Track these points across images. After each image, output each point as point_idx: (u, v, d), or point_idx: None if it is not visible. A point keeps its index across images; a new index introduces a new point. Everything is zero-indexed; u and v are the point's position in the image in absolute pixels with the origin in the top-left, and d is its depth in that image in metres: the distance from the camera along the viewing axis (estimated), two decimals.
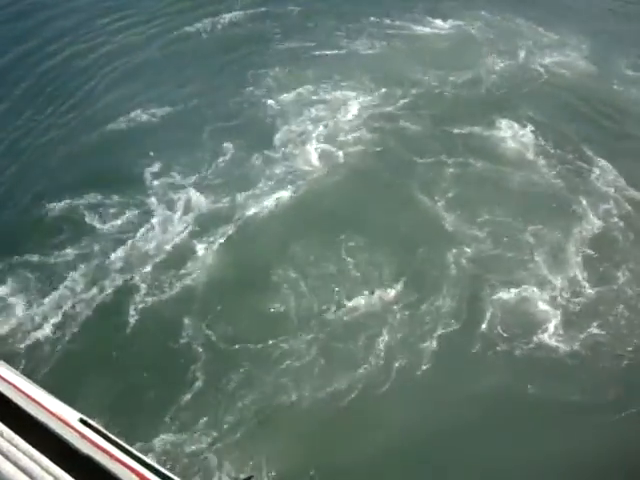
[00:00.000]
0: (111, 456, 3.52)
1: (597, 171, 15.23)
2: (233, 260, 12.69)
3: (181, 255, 12.62)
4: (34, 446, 3.47)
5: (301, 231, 13.30)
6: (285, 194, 14.01)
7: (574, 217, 14.13)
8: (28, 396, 3.58)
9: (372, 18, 20.02)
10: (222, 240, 12.99)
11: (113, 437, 3.61)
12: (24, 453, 3.44)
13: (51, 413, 3.54)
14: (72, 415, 3.60)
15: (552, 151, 15.65)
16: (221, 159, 14.74)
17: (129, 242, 12.73)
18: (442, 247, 13.19)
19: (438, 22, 19.88)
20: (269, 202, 13.81)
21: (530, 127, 16.13)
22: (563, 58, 18.53)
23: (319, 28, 19.48)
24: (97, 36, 18.75)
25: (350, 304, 11.97)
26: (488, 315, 11.96)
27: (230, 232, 13.18)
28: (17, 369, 9.68)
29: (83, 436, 3.53)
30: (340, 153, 15.17)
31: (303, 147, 15.21)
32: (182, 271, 12.32)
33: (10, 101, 16.28)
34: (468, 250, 13.13)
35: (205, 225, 13.26)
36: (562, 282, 12.67)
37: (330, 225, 13.49)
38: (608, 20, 20.69)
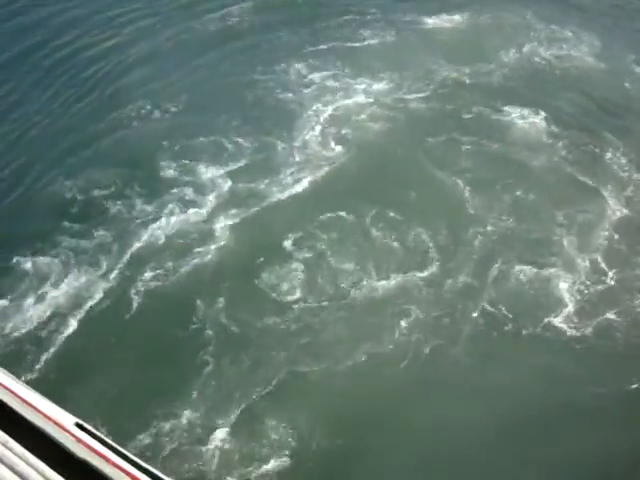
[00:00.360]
0: (107, 460, 3.50)
1: (611, 158, 15.04)
2: (253, 240, 12.78)
3: (199, 238, 12.65)
4: (30, 450, 3.46)
5: (322, 210, 13.36)
6: (304, 176, 14.06)
7: (595, 201, 14.04)
8: (24, 400, 3.57)
9: (381, 11, 19.78)
10: (241, 221, 13.06)
11: (109, 441, 3.59)
12: (20, 457, 3.44)
13: (47, 417, 3.53)
14: (68, 419, 3.58)
15: (565, 137, 15.50)
16: (237, 144, 14.73)
17: (148, 227, 12.77)
18: (464, 224, 13.28)
19: (449, 16, 19.62)
20: (289, 184, 13.87)
21: (543, 114, 15.98)
22: (572, 52, 18.35)
23: (328, 19, 19.27)
24: (107, 29, 18.65)
25: (371, 281, 12.01)
26: (508, 295, 11.98)
27: (250, 213, 13.25)
28: (17, 367, 9.82)
29: (79, 440, 3.51)
30: (356, 136, 15.21)
31: (320, 131, 15.25)
32: (200, 253, 12.37)
33: (23, 90, 16.31)
34: (490, 228, 13.18)
35: (224, 208, 13.30)
36: (582, 265, 12.61)
37: (350, 204, 13.52)
38: (615, 16, 20.33)
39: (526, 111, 16.11)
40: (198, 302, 11.51)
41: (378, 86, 16.70)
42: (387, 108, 16.07)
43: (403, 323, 11.38)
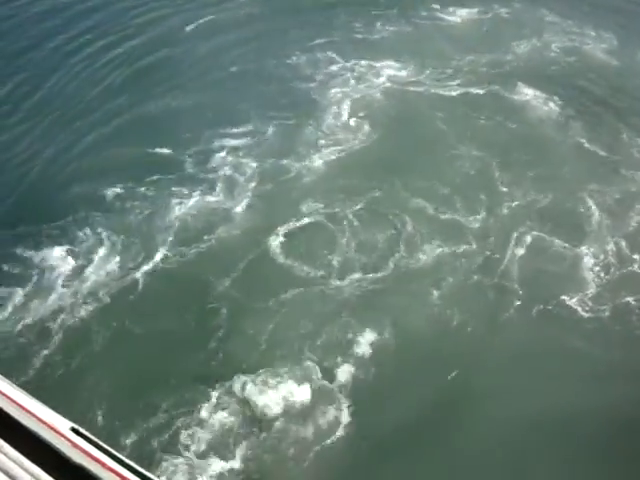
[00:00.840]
0: (103, 465, 3.46)
1: (629, 142, 15.11)
2: (279, 216, 12.81)
3: (220, 219, 12.67)
4: (25, 455, 3.44)
5: (350, 185, 13.51)
6: (332, 155, 14.19)
7: (622, 183, 14.04)
8: (19, 404, 3.55)
9: (396, 4, 19.80)
10: (269, 198, 13.13)
11: (105, 446, 3.55)
12: (15, 462, 3.41)
13: (42, 422, 3.50)
14: (64, 424, 3.54)
15: (580, 119, 15.64)
16: (261, 126, 14.83)
17: (168, 209, 12.77)
18: (493, 198, 13.44)
19: (465, 9, 19.74)
20: (316, 163, 13.97)
21: (556, 99, 16.15)
22: (586, 47, 18.46)
23: (344, 11, 19.42)
24: (125, 19, 18.66)
25: (398, 254, 12.10)
26: (532, 271, 12.09)
27: (276, 191, 13.32)
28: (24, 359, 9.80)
29: (75, 445, 3.48)
30: (380, 117, 15.37)
31: (344, 113, 15.41)
32: (222, 231, 12.40)
33: (44, 73, 16.39)
34: (518, 203, 13.34)
35: (249, 188, 13.34)
36: (608, 247, 12.63)
37: (377, 179, 13.68)
38: (627, 15, 20.34)
39: (541, 95, 16.33)
40: (215, 281, 11.46)
41: (398, 72, 16.85)
42: (408, 92, 16.25)
43: (430, 296, 11.47)
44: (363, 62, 17.06)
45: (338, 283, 11.57)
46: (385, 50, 17.58)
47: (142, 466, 3.61)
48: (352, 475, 9.32)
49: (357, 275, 11.71)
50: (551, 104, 16.03)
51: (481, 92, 16.36)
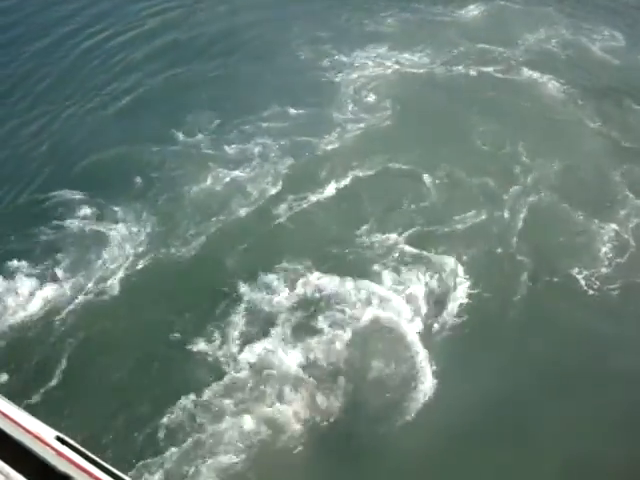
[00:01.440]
0: (89, 474, 3.44)
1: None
2: (306, 185, 13.00)
3: (244, 193, 12.74)
4: (10, 465, 3.42)
5: (371, 158, 13.73)
6: (353, 132, 14.45)
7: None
8: (3, 414, 3.53)
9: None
10: (291, 175, 13.26)
11: (91, 455, 3.53)
12: (0, 472, 3.40)
13: (27, 431, 3.48)
14: (49, 433, 3.53)
15: (587, 101, 15.97)
16: (280, 109, 14.95)
17: (190, 192, 12.73)
18: (514, 170, 13.72)
19: (474, 4, 19.98)
20: (338, 140, 14.20)
21: (563, 81, 16.53)
22: (589, 43, 18.46)
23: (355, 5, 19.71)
24: (133, 20, 18.63)
25: (421, 224, 12.35)
26: (547, 242, 12.32)
27: (305, 166, 13.55)
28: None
29: (60, 454, 3.46)
30: (397, 98, 15.65)
31: (364, 94, 15.76)
32: (234, 211, 12.43)
33: (54, 76, 16.40)
34: (537, 175, 13.58)
35: (276, 163, 13.49)
36: (630, 226, 12.71)
37: (398, 151, 13.94)
38: (631, 16, 20.40)
39: (547, 79, 16.67)
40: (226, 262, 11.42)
41: (413, 60, 17.31)
42: (424, 76, 16.77)
43: (450, 263, 11.62)
44: (379, 50, 17.43)
45: (369, 244, 11.92)
46: (398, 40, 17.93)
47: (129, 475, 3.59)
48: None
49: (384, 237, 12.01)
50: (557, 86, 16.38)
51: (494, 75, 16.75)
